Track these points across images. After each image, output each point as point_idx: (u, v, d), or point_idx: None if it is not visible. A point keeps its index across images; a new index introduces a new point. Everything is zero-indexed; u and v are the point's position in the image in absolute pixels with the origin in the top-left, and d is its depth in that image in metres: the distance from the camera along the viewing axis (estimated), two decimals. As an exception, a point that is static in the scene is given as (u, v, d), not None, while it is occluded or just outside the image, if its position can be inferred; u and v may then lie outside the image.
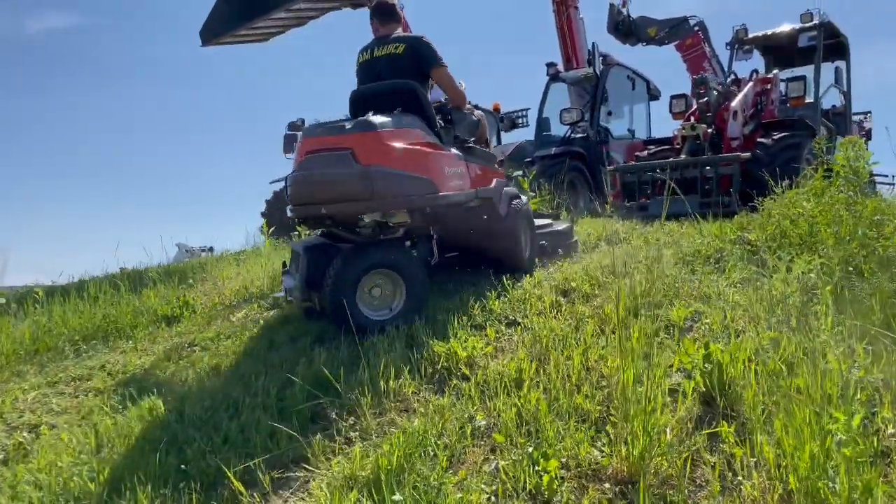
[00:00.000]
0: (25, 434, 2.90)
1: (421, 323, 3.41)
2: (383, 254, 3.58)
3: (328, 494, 2.06)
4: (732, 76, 9.88)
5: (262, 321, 4.19)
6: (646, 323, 2.61)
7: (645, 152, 8.89)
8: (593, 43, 10.35)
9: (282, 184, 12.39)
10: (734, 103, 8.01)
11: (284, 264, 4.17)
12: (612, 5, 12.32)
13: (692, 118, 8.22)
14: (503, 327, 3.41)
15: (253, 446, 2.37)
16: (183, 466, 2.29)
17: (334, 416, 2.63)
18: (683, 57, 13.05)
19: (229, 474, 2.14)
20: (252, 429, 2.48)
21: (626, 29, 12.39)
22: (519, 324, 3.43)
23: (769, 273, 3.45)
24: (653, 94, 11.33)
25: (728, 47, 10.39)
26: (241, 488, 2.13)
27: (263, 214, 11.08)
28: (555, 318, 3.43)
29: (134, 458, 2.34)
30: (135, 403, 2.89)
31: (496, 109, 10.62)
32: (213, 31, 9.51)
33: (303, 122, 13.12)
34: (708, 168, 7.29)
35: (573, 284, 3.89)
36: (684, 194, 5.98)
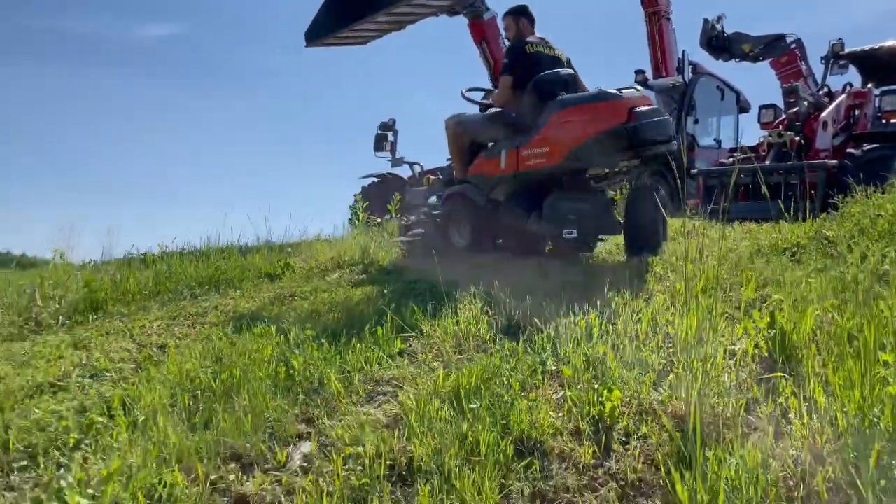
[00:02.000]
0: (154, 349, 3.35)
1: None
2: (661, 195, 4.80)
3: (414, 403, 2.35)
4: (826, 89, 9.70)
5: (353, 281, 4.56)
6: (714, 299, 2.77)
7: (730, 158, 8.86)
8: (683, 51, 10.38)
9: (370, 179, 12.95)
10: (824, 114, 7.89)
11: (529, 216, 4.76)
12: (706, 20, 12.23)
13: (780, 126, 8.16)
14: (576, 294, 3.62)
15: (349, 364, 2.70)
16: (291, 372, 2.64)
17: (419, 350, 2.94)
18: (778, 75, 12.83)
19: (331, 377, 2.47)
20: (348, 352, 2.80)
21: (719, 45, 12.27)
22: (594, 294, 3.63)
23: (842, 261, 3.52)
24: (742, 107, 11.19)
25: (823, 62, 10.21)
26: (341, 389, 2.45)
27: (352, 207, 11.58)
28: (627, 290, 3.62)
29: (249, 367, 2.70)
30: (248, 330, 3.28)
31: None
32: (317, 33, 10.10)
33: (393, 121, 13.66)
34: (792, 174, 7.23)
35: (647, 266, 4.06)
36: (767, 200, 6.00)
